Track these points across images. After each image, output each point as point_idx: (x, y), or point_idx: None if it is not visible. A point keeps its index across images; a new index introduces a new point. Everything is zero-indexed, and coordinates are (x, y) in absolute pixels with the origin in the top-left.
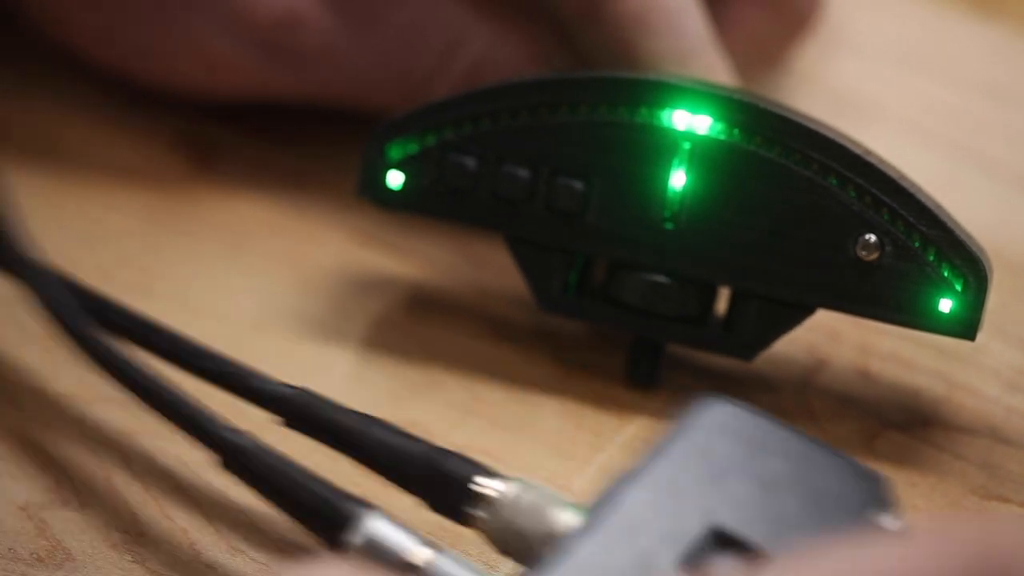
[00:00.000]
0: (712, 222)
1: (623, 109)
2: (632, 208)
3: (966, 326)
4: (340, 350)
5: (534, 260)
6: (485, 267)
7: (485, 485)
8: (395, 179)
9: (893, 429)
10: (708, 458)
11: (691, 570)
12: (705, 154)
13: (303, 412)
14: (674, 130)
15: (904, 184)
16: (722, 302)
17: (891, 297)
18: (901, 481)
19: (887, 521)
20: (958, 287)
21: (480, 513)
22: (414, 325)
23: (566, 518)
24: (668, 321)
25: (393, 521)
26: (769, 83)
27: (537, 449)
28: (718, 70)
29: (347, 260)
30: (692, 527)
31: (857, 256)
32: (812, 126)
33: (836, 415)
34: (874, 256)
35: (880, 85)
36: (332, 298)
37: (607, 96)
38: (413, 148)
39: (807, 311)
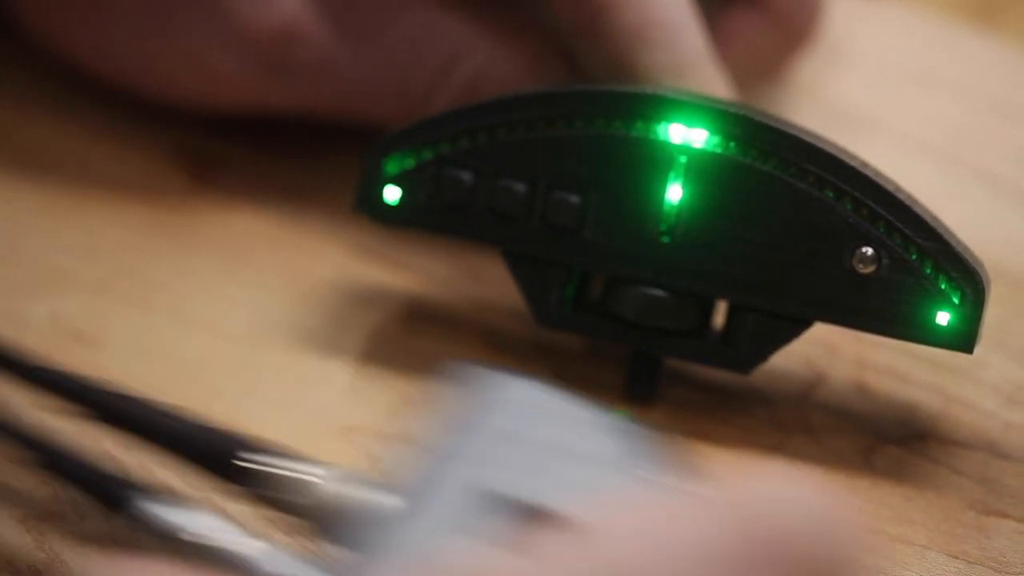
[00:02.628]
0: (709, 236)
1: (619, 123)
2: (629, 222)
3: (964, 339)
4: (337, 363)
5: (531, 274)
6: (482, 281)
7: (252, 460)
8: (392, 194)
9: (891, 443)
10: (497, 432)
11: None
12: (701, 168)
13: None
14: (670, 144)
15: (900, 197)
16: (720, 316)
17: (888, 310)
18: (898, 496)
19: (653, 474)
20: (955, 300)
21: (302, 499)
22: (411, 339)
23: (386, 500)
24: (666, 335)
25: (163, 501)
26: (767, 96)
27: None
28: (715, 83)
29: (344, 274)
30: (503, 501)
31: (854, 269)
32: (808, 139)
33: (834, 429)
34: (871, 269)
35: (879, 98)
36: (329, 311)
37: (603, 110)
38: (410, 163)
39: (804, 324)
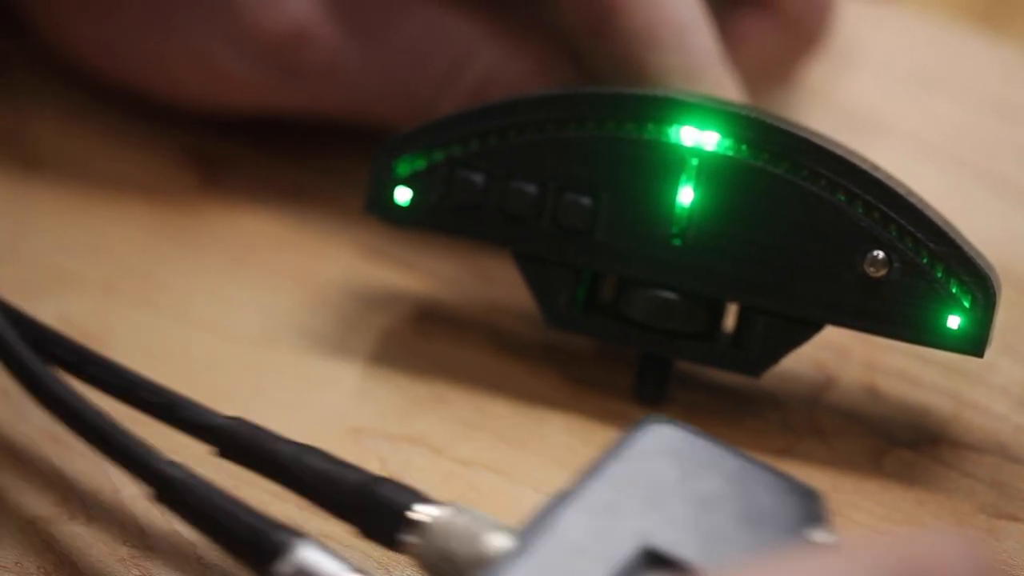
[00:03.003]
0: (720, 238)
1: (631, 125)
2: (640, 224)
3: (974, 343)
4: (346, 365)
5: (542, 276)
6: (492, 282)
7: (419, 511)
8: (403, 195)
9: (901, 446)
10: (643, 479)
11: None
12: (713, 170)
13: (237, 442)
14: (682, 146)
15: (912, 200)
16: (730, 318)
17: (899, 313)
18: (909, 499)
19: (820, 536)
20: (966, 303)
21: (412, 538)
22: (421, 340)
23: (498, 541)
24: (676, 337)
25: (324, 549)
26: (778, 99)
27: (544, 464)
28: (726, 86)
29: (353, 275)
30: (625, 548)
31: (865, 272)
32: (820, 142)
33: (844, 432)
34: (882, 272)
35: (889, 102)
36: (338, 313)
37: (615, 112)
38: (421, 164)
39: (815, 327)
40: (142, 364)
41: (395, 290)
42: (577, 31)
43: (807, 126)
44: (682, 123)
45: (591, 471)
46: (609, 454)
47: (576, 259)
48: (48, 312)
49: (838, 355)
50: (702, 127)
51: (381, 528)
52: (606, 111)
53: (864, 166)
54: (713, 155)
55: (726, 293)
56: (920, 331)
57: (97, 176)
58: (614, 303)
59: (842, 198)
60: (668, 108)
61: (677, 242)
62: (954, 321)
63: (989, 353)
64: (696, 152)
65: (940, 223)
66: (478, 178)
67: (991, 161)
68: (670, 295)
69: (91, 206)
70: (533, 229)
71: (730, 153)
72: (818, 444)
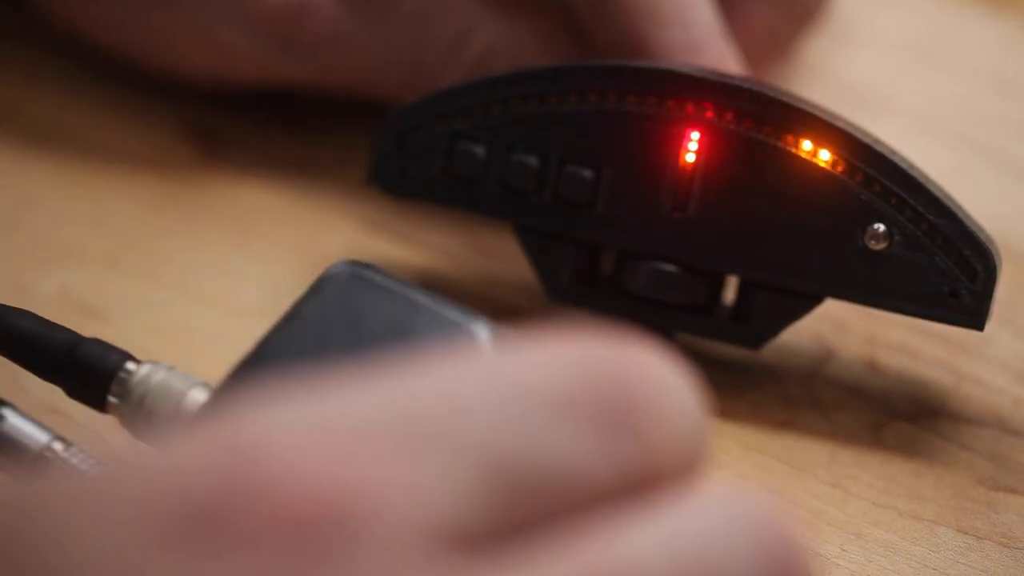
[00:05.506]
0: (721, 211)
1: (632, 98)
2: (641, 197)
3: (975, 316)
4: None
5: (543, 249)
6: (493, 256)
7: (123, 370)
8: (404, 167)
9: (901, 419)
10: (328, 327)
11: None
12: (714, 143)
13: None
14: (683, 119)
15: (913, 174)
16: (730, 291)
17: (900, 287)
18: (908, 472)
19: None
20: (967, 277)
21: (113, 398)
22: None
23: (196, 396)
24: (676, 311)
25: (25, 416)
26: (778, 75)
27: None
28: (728, 60)
29: (354, 248)
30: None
31: (866, 245)
32: (822, 115)
33: (843, 405)
34: (883, 246)
35: (889, 77)
36: None
37: (616, 85)
38: (422, 136)
39: (815, 301)
40: (144, 337)
41: (396, 264)
42: (580, 4)
43: (809, 100)
44: (684, 96)
45: (280, 324)
46: (294, 305)
47: (577, 232)
48: (49, 285)
49: (838, 328)
50: (703, 100)
51: (88, 387)
52: (608, 84)
53: (866, 139)
54: (714, 128)
55: (726, 266)
56: (920, 304)
57: (99, 150)
58: (614, 277)
59: (843, 171)
60: (670, 81)
61: (678, 215)
62: (954, 294)
63: (989, 327)
64: (697, 125)
65: (941, 197)
66: (479, 150)
67: (991, 136)
68: (671, 268)
69: (92, 180)
70: (534, 202)
71: (731, 126)
72: (818, 417)
